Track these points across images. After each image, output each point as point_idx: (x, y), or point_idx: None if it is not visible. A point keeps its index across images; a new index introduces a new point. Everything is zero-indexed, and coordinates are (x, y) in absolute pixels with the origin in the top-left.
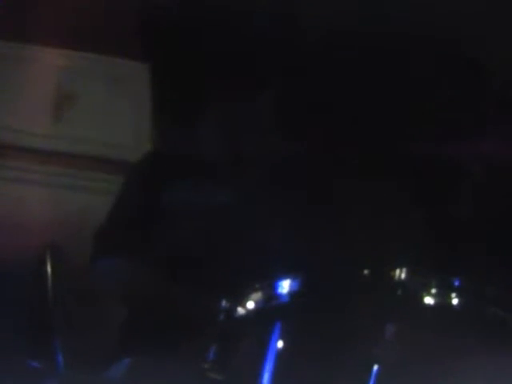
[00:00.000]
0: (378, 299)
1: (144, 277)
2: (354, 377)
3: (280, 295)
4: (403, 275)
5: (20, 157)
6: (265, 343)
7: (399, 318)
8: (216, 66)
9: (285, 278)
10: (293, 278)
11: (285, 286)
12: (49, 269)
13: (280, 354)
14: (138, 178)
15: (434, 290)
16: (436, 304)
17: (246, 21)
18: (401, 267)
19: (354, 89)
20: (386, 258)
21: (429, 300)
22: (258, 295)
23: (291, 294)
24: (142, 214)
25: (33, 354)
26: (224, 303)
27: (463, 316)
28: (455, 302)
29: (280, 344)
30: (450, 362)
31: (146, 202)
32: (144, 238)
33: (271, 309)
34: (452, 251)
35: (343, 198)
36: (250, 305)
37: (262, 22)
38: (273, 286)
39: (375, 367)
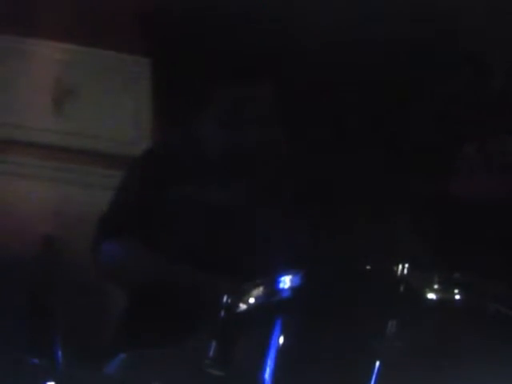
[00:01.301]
0: (379, 295)
1: (144, 258)
2: (356, 372)
3: (281, 291)
4: (405, 271)
5: (21, 152)
6: (266, 339)
7: (401, 314)
8: (217, 62)
9: (286, 273)
10: (294, 274)
11: (286, 281)
12: (49, 262)
13: (281, 349)
14: (139, 169)
15: (436, 286)
16: (438, 300)
17: (246, 18)
18: (403, 263)
19: (354, 88)
20: (388, 254)
21: (431, 296)
22: (259, 291)
23: (292, 289)
24: (142, 203)
25: (32, 350)
26: (225, 299)
27: (465, 312)
28: (457, 298)
29: (281, 340)
30: (452, 357)
31: (147, 194)
32: (145, 226)
33: (272, 305)
34: (454, 248)
35: (345, 195)
36: (252, 300)
37: (262, 19)
38: (274, 282)
39: (377, 363)
